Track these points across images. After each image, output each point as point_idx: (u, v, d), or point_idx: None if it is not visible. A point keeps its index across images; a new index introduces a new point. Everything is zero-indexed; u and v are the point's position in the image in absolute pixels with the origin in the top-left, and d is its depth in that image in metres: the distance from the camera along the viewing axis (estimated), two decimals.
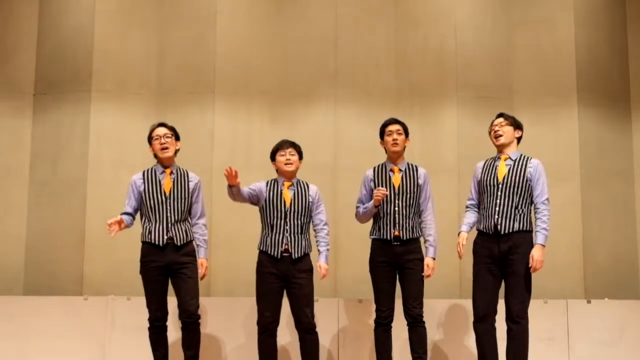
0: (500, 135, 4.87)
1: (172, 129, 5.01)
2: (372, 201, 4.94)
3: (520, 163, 4.82)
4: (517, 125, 4.94)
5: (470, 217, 4.93)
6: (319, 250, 4.94)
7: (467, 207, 5.00)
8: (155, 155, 5.01)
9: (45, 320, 5.77)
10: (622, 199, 6.88)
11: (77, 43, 6.71)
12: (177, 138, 5.03)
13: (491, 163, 4.90)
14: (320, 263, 4.90)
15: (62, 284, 6.38)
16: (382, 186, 4.99)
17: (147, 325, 4.87)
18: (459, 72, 6.81)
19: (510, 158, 4.84)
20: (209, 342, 5.63)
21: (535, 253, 4.66)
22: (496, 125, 4.91)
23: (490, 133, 4.97)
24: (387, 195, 4.94)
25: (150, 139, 5.01)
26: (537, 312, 5.75)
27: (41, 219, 6.56)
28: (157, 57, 6.75)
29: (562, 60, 6.88)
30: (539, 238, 4.70)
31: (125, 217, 4.87)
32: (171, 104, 6.64)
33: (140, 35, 6.75)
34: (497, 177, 4.79)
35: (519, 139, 4.95)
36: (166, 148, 4.93)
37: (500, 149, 4.89)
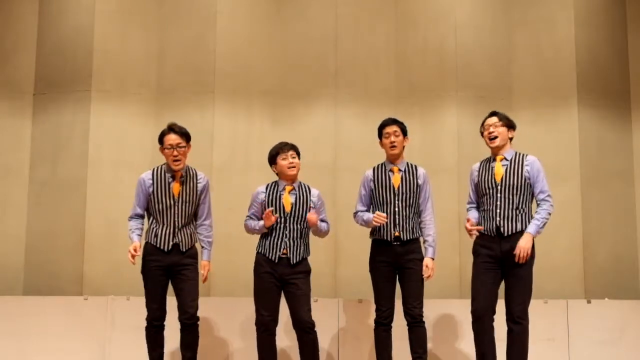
0: (495, 137, 4.82)
1: (184, 135, 4.83)
2: (372, 217, 4.90)
3: (517, 162, 4.79)
4: (511, 125, 4.89)
5: (474, 212, 4.90)
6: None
7: (467, 209, 4.98)
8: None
9: (45, 320, 5.77)
10: (622, 199, 6.87)
11: (77, 43, 6.72)
12: (189, 140, 4.88)
13: (486, 165, 4.87)
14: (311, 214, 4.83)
15: (62, 284, 6.38)
16: (382, 186, 4.99)
17: (145, 324, 4.85)
18: (459, 72, 6.81)
19: (505, 158, 4.81)
20: (208, 342, 5.62)
21: (522, 241, 4.61)
22: (490, 125, 4.84)
23: (482, 133, 4.92)
24: (387, 196, 4.95)
25: (161, 140, 4.87)
26: (537, 312, 5.75)
27: (41, 219, 6.56)
28: (157, 57, 6.75)
29: (562, 60, 6.87)
30: (530, 227, 4.66)
31: (135, 227, 4.81)
32: (171, 104, 6.64)
33: (140, 35, 6.75)
34: (494, 179, 4.77)
35: (511, 138, 4.90)
36: (178, 161, 4.80)
37: (495, 150, 4.85)
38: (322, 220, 4.98)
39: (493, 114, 4.93)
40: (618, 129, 6.96)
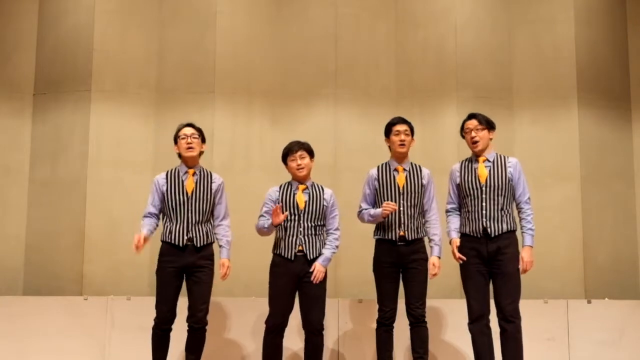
0: (477, 142, 4.87)
1: (199, 130, 5.02)
2: (380, 210, 4.89)
3: (499, 164, 4.85)
4: (491, 127, 4.94)
5: (455, 221, 4.94)
6: (321, 252, 4.87)
7: (448, 211, 5.00)
8: (180, 156, 4.98)
9: (45, 320, 5.77)
10: (622, 199, 6.88)
11: (77, 43, 6.71)
12: (204, 140, 5.04)
13: (468, 166, 4.92)
14: (316, 263, 4.81)
15: (62, 284, 6.37)
16: (387, 186, 4.99)
17: (152, 324, 4.79)
18: (459, 72, 6.81)
19: (487, 160, 4.87)
20: (208, 342, 5.61)
21: (525, 255, 4.73)
22: (472, 130, 4.90)
23: (463, 135, 4.98)
24: (391, 196, 4.95)
25: (176, 138, 4.98)
26: (537, 312, 5.78)
27: (41, 219, 6.56)
28: (157, 57, 6.75)
29: (562, 60, 6.88)
30: (526, 240, 4.76)
31: (147, 223, 4.82)
32: (171, 104, 6.64)
33: (140, 35, 6.75)
34: (479, 180, 4.82)
35: (491, 138, 4.94)
36: (192, 148, 4.92)
37: (478, 153, 4.90)
38: (332, 223, 4.92)
39: (472, 116, 4.97)
40: (618, 129, 6.97)
